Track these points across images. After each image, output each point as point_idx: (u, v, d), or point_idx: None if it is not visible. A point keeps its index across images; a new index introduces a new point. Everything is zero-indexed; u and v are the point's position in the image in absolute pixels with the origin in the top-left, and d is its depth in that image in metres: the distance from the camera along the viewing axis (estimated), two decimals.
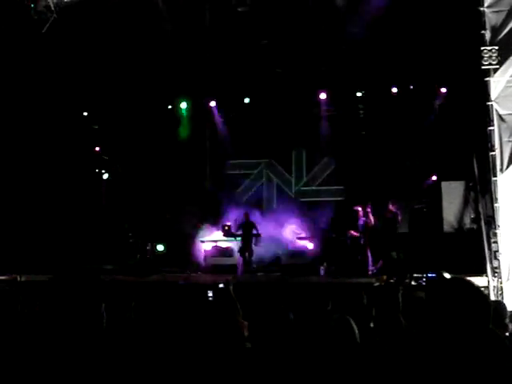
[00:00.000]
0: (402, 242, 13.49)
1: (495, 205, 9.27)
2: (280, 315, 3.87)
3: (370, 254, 13.43)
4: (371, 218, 13.77)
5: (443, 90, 15.50)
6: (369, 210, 13.92)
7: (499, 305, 5.68)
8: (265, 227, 15.68)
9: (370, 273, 12.52)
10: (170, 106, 17.69)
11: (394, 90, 16.38)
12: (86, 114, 16.65)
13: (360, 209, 14.15)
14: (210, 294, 6.30)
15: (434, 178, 14.65)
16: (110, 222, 16.05)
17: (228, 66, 15.51)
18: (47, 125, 14.87)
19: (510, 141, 9.21)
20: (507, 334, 5.15)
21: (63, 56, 13.71)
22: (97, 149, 17.22)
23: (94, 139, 17.10)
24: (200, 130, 18.28)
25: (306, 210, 16.55)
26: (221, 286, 6.24)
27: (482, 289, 7.27)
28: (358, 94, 17.20)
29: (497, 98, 9.34)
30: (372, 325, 4.88)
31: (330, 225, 15.35)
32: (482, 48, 9.43)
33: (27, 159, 14.58)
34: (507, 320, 5.34)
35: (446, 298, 2.17)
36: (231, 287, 6.18)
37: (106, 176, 17.38)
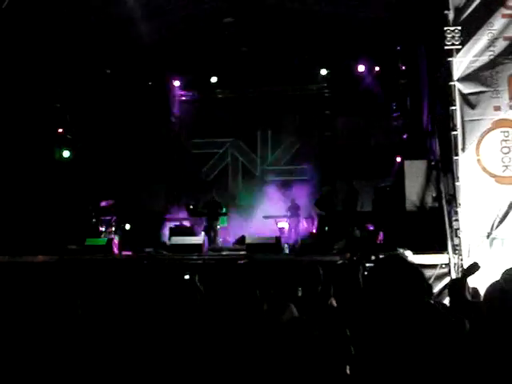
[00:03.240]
0: (366, 220, 13.70)
1: (456, 183, 9.43)
2: (247, 293, 3.88)
3: None
4: None
5: (403, 67, 15.64)
6: None
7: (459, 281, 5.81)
8: (229, 207, 15.75)
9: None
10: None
11: (359, 68, 16.52)
12: (48, 94, 16.28)
13: None
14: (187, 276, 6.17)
15: (399, 159, 14.83)
16: (73, 201, 15.77)
17: (192, 44, 15.34)
18: (6, 104, 14.47)
19: (471, 120, 9.35)
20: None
21: (24, 33, 13.33)
22: (59, 129, 16.85)
23: (56, 118, 16.75)
24: (164, 109, 18.13)
25: (272, 190, 16.59)
26: (186, 277, 6.13)
27: (443, 266, 7.42)
28: (323, 73, 17.28)
29: (459, 78, 9.46)
30: (333, 301, 4.94)
31: (296, 203, 15.41)
32: (445, 28, 9.51)
33: None
34: (468, 295, 5.47)
35: (383, 274, 2.22)
36: (197, 278, 6.13)
37: (66, 154, 16.96)
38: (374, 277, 2.32)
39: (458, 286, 5.13)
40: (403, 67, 15.54)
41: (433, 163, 11.36)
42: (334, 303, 5.06)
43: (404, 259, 2.33)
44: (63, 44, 14.37)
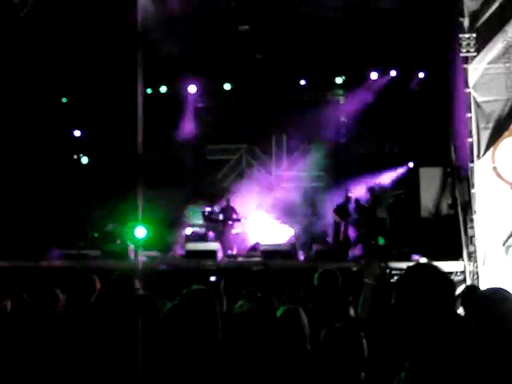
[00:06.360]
0: (382, 227, 13.69)
1: (472, 191, 9.42)
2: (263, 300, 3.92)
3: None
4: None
5: (421, 75, 15.63)
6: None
7: (473, 289, 5.83)
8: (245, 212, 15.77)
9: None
10: (149, 90, 17.60)
11: (373, 75, 16.50)
12: (64, 100, 16.48)
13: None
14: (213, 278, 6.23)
15: (411, 164, 14.88)
16: (86, 207, 15.84)
17: (207, 52, 15.44)
18: (23, 109, 14.61)
19: (486, 127, 9.34)
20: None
21: (42, 40, 13.50)
22: (77, 133, 17.02)
23: (72, 123, 16.91)
24: (179, 116, 18.22)
25: (287, 196, 16.61)
26: (212, 279, 6.19)
27: (459, 273, 7.42)
28: (338, 80, 17.30)
29: (474, 85, 9.45)
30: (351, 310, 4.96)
31: (312, 210, 15.45)
32: (461, 35, 9.52)
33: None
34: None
35: (412, 283, 2.19)
36: (222, 283, 6.18)
37: (85, 160, 17.14)
38: (404, 286, 2.27)
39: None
40: (419, 73, 15.56)
41: (448, 170, 11.33)
42: (352, 312, 5.08)
43: (436, 268, 2.29)
44: (77, 49, 14.49)
